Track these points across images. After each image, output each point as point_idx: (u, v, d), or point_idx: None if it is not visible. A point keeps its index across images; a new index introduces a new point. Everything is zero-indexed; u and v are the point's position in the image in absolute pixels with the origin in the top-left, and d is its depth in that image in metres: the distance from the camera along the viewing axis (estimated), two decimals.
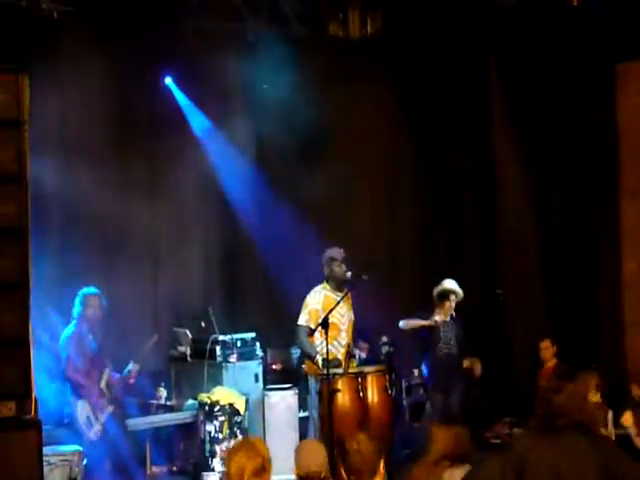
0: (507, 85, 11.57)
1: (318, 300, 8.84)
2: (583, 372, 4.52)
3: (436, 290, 9.89)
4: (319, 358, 8.57)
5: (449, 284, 9.87)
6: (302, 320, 8.86)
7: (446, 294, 9.84)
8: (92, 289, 8.84)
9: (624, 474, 4.27)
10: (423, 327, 9.72)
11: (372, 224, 11.80)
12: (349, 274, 8.83)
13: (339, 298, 8.70)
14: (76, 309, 8.77)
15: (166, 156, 10.92)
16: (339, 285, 8.91)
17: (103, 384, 8.72)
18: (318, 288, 8.97)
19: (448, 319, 9.87)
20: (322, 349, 8.44)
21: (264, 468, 4.53)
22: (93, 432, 8.52)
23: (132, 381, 9.09)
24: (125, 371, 9.00)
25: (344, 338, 8.91)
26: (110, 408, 8.72)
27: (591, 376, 8.98)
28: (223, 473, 4.58)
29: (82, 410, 8.48)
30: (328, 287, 8.93)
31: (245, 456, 4.50)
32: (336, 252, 8.95)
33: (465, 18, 11.35)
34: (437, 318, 9.72)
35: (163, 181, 10.89)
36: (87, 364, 8.67)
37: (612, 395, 8.97)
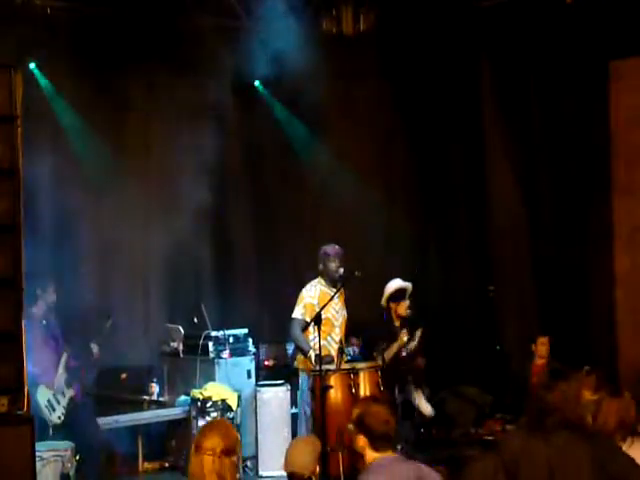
0: (500, 81, 11.56)
1: (314, 294, 8.88)
2: (576, 371, 4.53)
3: (388, 292, 9.49)
4: (312, 354, 8.58)
5: (400, 282, 9.52)
6: (297, 313, 8.88)
7: (402, 292, 9.48)
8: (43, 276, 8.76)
9: (620, 472, 4.27)
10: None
11: (363, 221, 11.79)
12: (342, 270, 8.86)
13: (332, 293, 8.74)
14: (29, 296, 8.63)
15: (159, 149, 10.92)
16: (333, 281, 8.93)
17: (61, 368, 8.69)
18: (314, 282, 9.00)
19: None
20: (315, 344, 8.46)
21: (234, 450, 4.64)
22: (56, 416, 8.50)
23: (94, 361, 9.01)
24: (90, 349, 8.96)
25: (338, 334, 8.94)
26: (71, 392, 8.70)
27: (586, 377, 9.01)
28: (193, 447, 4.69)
29: (42, 395, 8.45)
30: (323, 282, 8.97)
31: (220, 435, 4.62)
32: (330, 248, 8.98)
33: (458, 15, 11.35)
34: (404, 338, 9.31)
35: (156, 176, 10.90)
36: (44, 350, 8.59)
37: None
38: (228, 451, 4.59)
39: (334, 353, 8.76)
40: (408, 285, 9.48)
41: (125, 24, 10.22)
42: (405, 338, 9.25)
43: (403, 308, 9.43)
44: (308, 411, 8.74)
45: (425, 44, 11.73)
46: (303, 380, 8.91)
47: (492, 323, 11.37)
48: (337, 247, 9.00)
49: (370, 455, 4.94)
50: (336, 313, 8.89)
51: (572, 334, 10.53)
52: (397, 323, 9.49)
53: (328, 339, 8.75)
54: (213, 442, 4.59)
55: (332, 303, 8.69)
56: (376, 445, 4.92)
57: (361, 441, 4.96)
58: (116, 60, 10.29)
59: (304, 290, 8.95)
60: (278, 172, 11.68)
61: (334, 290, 8.81)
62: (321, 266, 8.99)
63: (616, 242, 10.93)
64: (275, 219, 11.63)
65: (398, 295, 9.47)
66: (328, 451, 8.44)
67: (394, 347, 9.23)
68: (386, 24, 11.27)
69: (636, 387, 9.59)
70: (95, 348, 8.91)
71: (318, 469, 5.71)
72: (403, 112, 12.14)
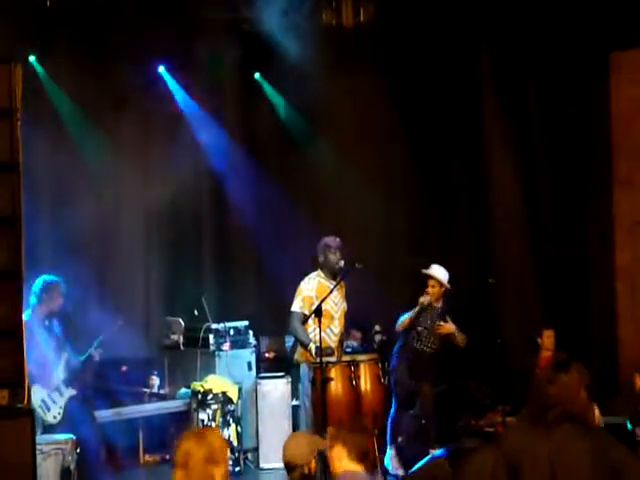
0: (499, 73, 11.55)
1: (312, 287, 8.88)
2: (577, 364, 4.51)
3: (432, 272, 9.53)
4: (312, 346, 8.59)
5: (430, 270, 9.54)
6: (296, 307, 8.89)
7: (424, 279, 9.52)
8: (53, 277, 8.74)
9: (621, 463, 4.27)
10: (415, 317, 9.53)
11: (364, 213, 11.80)
12: (342, 262, 8.86)
13: (331, 285, 8.74)
14: (35, 296, 8.60)
15: (159, 143, 10.92)
16: (333, 273, 8.93)
17: (61, 368, 8.70)
18: (312, 275, 9.00)
19: (439, 305, 9.58)
20: (315, 337, 8.48)
21: (212, 459, 4.26)
22: (51, 415, 8.49)
23: (96, 359, 9.00)
24: (87, 353, 8.95)
25: (337, 326, 8.94)
26: (71, 391, 8.70)
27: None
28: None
29: (36, 394, 8.43)
30: (322, 275, 8.96)
31: (192, 443, 4.29)
32: (331, 240, 8.97)
33: (458, 6, 11.33)
34: (421, 299, 9.44)
35: (156, 168, 10.88)
36: (45, 349, 8.58)
37: (603, 386, 9.01)
38: (204, 460, 4.23)
39: (333, 345, 8.78)
40: (443, 282, 9.50)
41: (125, 16, 10.22)
42: (423, 299, 9.33)
43: (430, 291, 9.46)
44: (307, 403, 8.76)
45: (425, 35, 11.71)
46: (304, 372, 8.92)
47: (493, 317, 11.36)
48: (338, 239, 8.99)
49: (343, 465, 4.96)
50: (335, 305, 8.89)
51: (573, 327, 10.54)
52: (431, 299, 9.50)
53: (327, 331, 8.74)
54: (184, 452, 4.25)
55: (331, 295, 8.70)
56: (352, 457, 4.94)
57: (337, 450, 4.96)
58: (115, 52, 10.28)
59: (302, 283, 8.96)
60: (279, 165, 11.69)
61: (333, 283, 8.81)
62: (321, 258, 8.99)
63: (617, 235, 10.93)
64: (275, 212, 11.63)
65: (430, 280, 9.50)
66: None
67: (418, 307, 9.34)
68: (386, 16, 11.27)
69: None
70: (96, 355, 8.92)
71: (314, 464, 5.68)
72: (402, 103, 12.11)
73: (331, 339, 8.81)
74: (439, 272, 9.54)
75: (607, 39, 10.70)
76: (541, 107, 11.35)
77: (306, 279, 8.99)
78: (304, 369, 8.89)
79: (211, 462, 4.23)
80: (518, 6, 10.99)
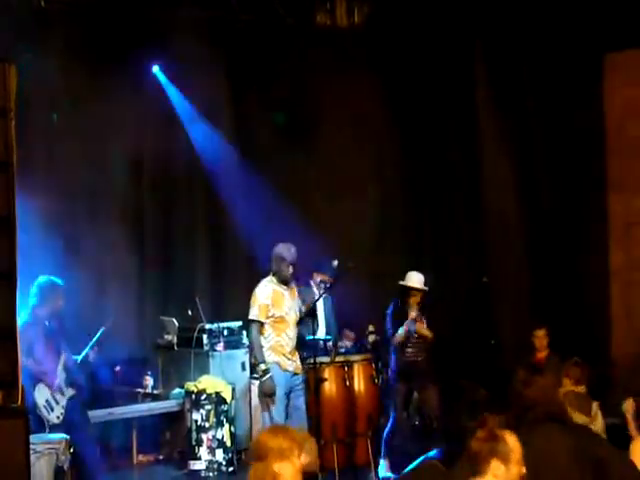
0: (494, 74, 11.58)
1: (267, 295, 8.58)
2: (552, 364, 4.58)
3: (410, 284, 9.26)
4: (262, 367, 8.33)
5: (409, 280, 9.30)
6: (253, 315, 8.60)
7: (406, 291, 9.29)
8: (58, 280, 8.71)
9: (604, 458, 4.31)
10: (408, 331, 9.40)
11: (358, 212, 11.80)
12: (291, 270, 8.65)
13: (284, 291, 8.56)
14: (35, 296, 8.57)
15: (152, 144, 10.90)
16: (284, 282, 8.70)
17: (60, 367, 8.69)
18: (265, 282, 8.65)
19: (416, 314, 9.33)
20: (270, 341, 8.39)
21: (281, 455, 4.42)
22: (54, 416, 8.47)
23: (90, 358, 9.00)
24: (83, 353, 8.94)
25: (292, 330, 8.69)
26: (70, 391, 8.70)
27: (572, 367, 8.99)
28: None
29: (40, 394, 8.42)
30: (274, 281, 8.70)
31: (266, 439, 4.48)
32: (286, 251, 8.65)
33: (452, 6, 11.35)
34: (413, 314, 9.17)
35: (149, 169, 10.89)
36: (45, 349, 8.58)
37: (596, 385, 9.01)
38: (278, 453, 4.43)
39: (289, 349, 8.56)
40: (424, 289, 9.31)
41: (118, 17, 10.22)
42: (414, 314, 9.17)
43: (412, 305, 9.24)
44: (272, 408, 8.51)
45: (419, 36, 11.74)
46: (277, 374, 8.67)
47: (487, 317, 11.38)
48: (293, 250, 8.63)
49: None
50: (289, 310, 8.67)
51: (567, 327, 10.55)
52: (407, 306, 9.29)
53: (283, 336, 8.49)
54: (260, 443, 4.49)
55: (284, 301, 8.54)
56: None
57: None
58: (109, 53, 10.26)
59: (257, 290, 8.64)
60: (271, 167, 11.65)
61: (284, 287, 8.61)
62: (275, 266, 8.67)
63: (611, 236, 10.96)
64: (268, 212, 11.61)
65: (404, 292, 9.31)
66: (322, 444, 8.49)
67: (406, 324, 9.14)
68: (380, 17, 11.29)
69: (629, 379, 9.68)
70: (91, 354, 8.92)
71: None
72: (397, 103, 12.13)
73: (287, 344, 8.53)
74: (417, 280, 9.39)
75: (601, 40, 10.73)
76: (536, 107, 11.38)
77: (260, 286, 8.65)
78: (276, 370, 8.51)
79: (279, 459, 4.39)
80: (513, 7, 11.01)
